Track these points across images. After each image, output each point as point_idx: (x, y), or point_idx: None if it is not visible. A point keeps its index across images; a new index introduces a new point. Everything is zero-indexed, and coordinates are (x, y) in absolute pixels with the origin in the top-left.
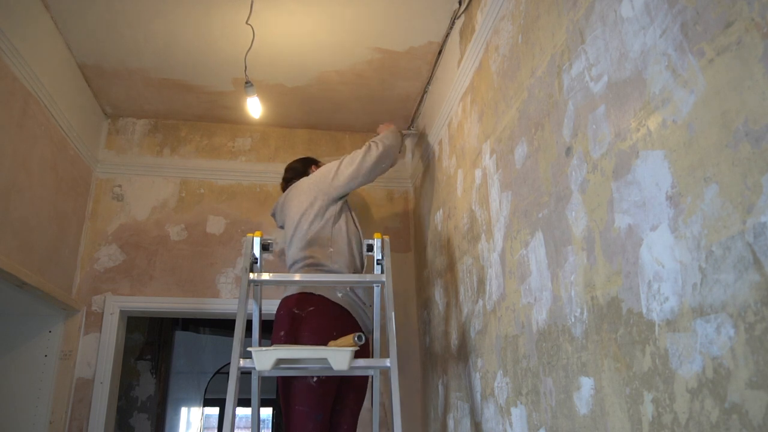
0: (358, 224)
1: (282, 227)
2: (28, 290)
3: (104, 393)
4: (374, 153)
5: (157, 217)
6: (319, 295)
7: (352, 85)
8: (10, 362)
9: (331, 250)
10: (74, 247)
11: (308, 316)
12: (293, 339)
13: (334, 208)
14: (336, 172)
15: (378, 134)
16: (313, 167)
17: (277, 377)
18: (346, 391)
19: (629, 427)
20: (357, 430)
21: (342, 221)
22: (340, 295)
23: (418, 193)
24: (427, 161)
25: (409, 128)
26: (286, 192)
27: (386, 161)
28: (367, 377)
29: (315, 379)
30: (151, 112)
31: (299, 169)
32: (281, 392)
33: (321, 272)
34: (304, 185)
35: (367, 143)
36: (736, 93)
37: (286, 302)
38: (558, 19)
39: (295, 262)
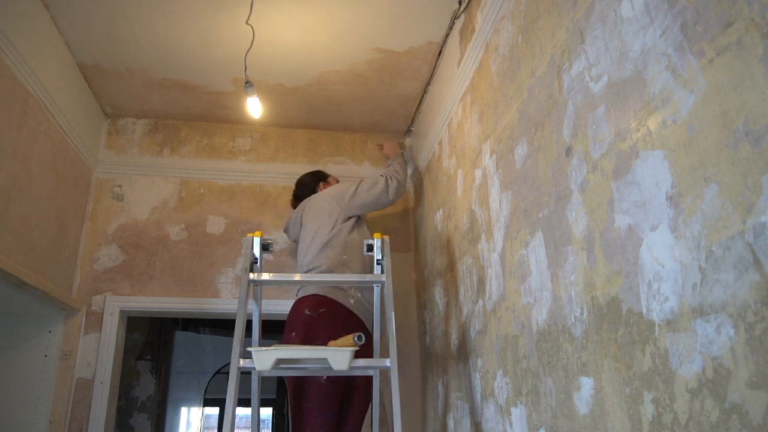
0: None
1: (295, 241)
2: (28, 290)
3: (104, 393)
4: (392, 189)
5: (157, 217)
6: (331, 299)
7: (352, 85)
8: (10, 362)
9: (345, 257)
10: (74, 247)
11: (320, 317)
12: (305, 340)
13: (350, 222)
14: (353, 194)
15: (384, 152)
16: (321, 184)
17: (287, 377)
18: (352, 393)
19: (629, 427)
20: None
21: (356, 232)
22: (352, 301)
23: (418, 193)
24: (427, 161)
25: (408, 131)
26: (300, 207)
27: (398, 196)
28: (371, 380)
29: (325, 377)
30: (151, 112)
31: (309, 186)
32: (291, 391)
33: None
34: (321, 200)
35: (384, 176)
36: (736, 93)
37: (298, 304)
38: (558, 19)
39: (310, 270)
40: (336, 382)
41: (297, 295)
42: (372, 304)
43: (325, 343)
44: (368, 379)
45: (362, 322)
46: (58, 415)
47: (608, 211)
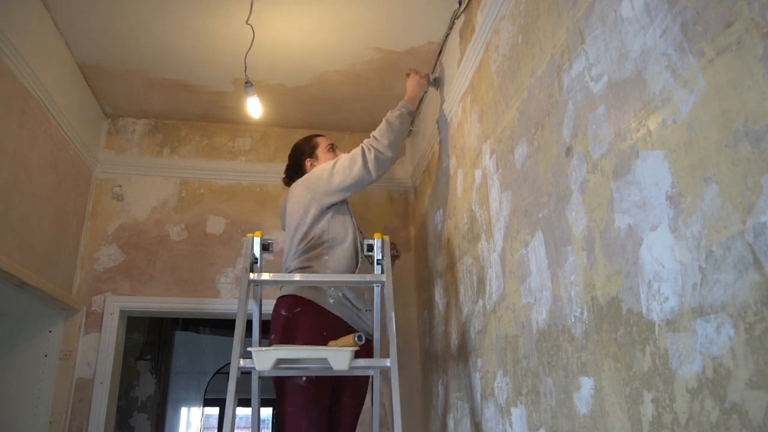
0: (356, 224)
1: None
2: (28, 290)
3: (104, 393)
4: (372, 163)
5: (157, 217)
6: (307, 299)
7: (352, 85)
8: (10, 362)
9: (326, 257)
10: (74, 247)
11: (295, 317)
12: (283, 340)
13: (329, 213)
14: (329, 177)
15: (406, 85)
16: (307, 161)
17: (273, 378)
18: (343, 391)
19: (629, 427)
20: (357, 430)
21: (339, 226)
22: (331, 301)
23: (418, 193)
24: (427, 161)
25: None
26: (287, 192)
27: (386, 163)
28: (366, 378)
29: (304, 378)
30: (151, 112)
31: (298, 161)
32: (276, 394)
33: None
34: (298, 190)
35: (361, 145)
36: (736, 93)
37: (277, 305)
38: (558, 19)
39: (291, 272)
40: (317, 383)
41: (279, 293)
42: (356, 304)
43: (304, 343)
44: (359, 380)
45: (344, 322)
46: (58, 415)
47: (608, 211)
